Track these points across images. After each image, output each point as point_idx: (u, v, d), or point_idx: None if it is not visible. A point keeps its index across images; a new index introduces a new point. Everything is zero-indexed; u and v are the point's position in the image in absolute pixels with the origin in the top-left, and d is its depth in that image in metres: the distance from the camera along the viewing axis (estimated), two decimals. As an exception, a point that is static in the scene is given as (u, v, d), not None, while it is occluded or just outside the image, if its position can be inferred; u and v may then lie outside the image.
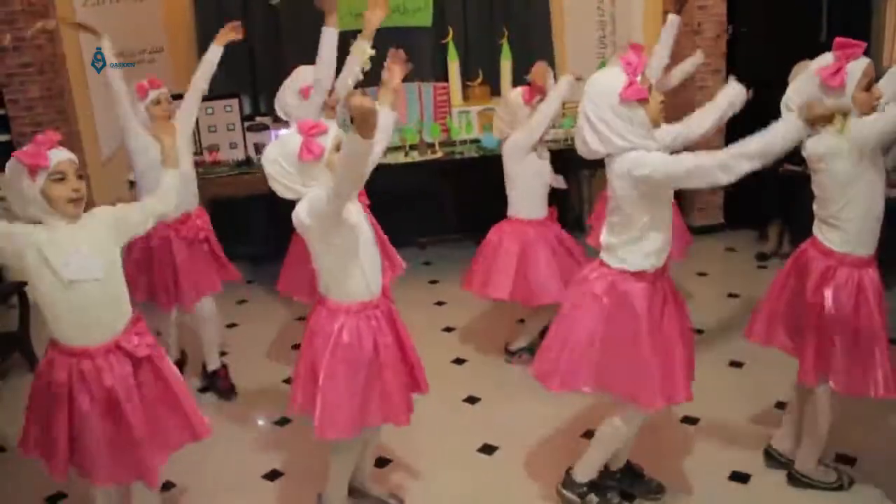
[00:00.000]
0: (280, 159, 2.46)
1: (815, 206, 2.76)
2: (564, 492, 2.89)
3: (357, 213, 2.54)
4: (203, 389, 3.99)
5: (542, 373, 2.71)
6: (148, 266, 3.71)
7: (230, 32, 3.91)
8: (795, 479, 2.94)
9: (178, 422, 2.60)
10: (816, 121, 2.31)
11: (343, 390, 2.52)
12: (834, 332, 2.66)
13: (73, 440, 2.50)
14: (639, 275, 2.55)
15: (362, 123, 2.10)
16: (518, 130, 3.90)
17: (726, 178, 2.30)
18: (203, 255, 3.79)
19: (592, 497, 2.87)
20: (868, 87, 2.55)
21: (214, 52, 3.87)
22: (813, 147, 2.63)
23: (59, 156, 2.37)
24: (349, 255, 2.52)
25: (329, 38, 3.69)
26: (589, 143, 2.49)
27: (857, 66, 2.53)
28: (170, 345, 4.05)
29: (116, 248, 2.52)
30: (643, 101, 2.41)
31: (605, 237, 2.61)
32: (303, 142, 2.41)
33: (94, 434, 2.46)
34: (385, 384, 2.59)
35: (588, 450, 2.86)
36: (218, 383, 4.00)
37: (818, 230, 2.74)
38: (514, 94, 3.98)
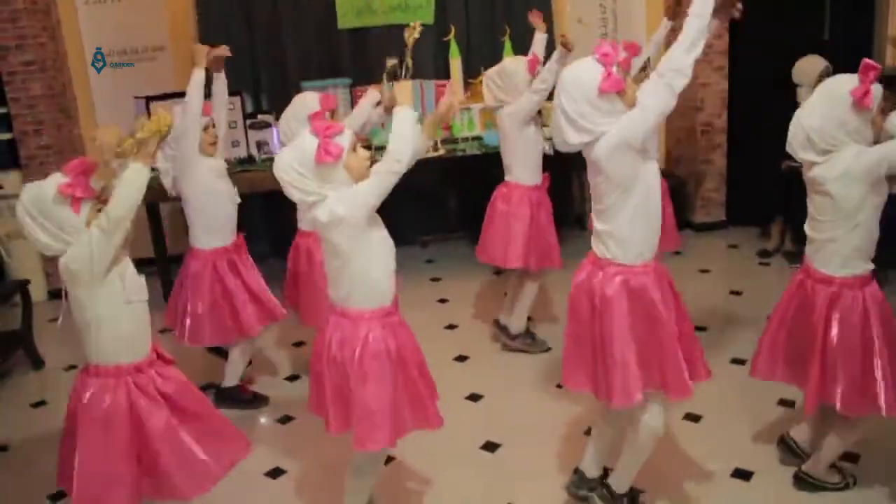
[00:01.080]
0: (295, 164, 2.39)
1: (811, 230, 2.73)
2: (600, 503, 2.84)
3: (380, 220, 2.53)
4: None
5: (601, 392, 2.60)
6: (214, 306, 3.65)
7: (219, 53, 3.66)
8: (802, 481, 2.93)
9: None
10: None
11: (377, 399, 2.46)
12: (840, 357, 2.64)
13: (141, 464, 2.47)
14: (644, 265, 2.52)
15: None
16: (521, 98, 3.94)
17: (682, 80, 2.35)
18: (257, 282, 3.79)
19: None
20: (884, 111, 2.58)
21: (198, 78, 3.53)
22: (824, 171, 2.59)
23: (100, 184, 2.38)
24: (380, 255, 2.49)
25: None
26: (567, 139, 2.48)
27: (878, 89, 2.53)
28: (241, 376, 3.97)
29: None
30: (620, 93, 2.42)
31: (597, 225, 2.58)
32: (320, 144, 2.36)
33: (177, 447, 2.46)
34: (413, 389, 2.55)
35: (622, 459, 2.77)
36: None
37: (813, 256, 2.72)
38: (515, 63, 4.04)
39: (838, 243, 2.63)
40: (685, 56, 2.34)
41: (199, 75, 3.46)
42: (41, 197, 2.34)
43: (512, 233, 4.05)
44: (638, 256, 2.52)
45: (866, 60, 2.53)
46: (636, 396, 2.53)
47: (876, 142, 2.59)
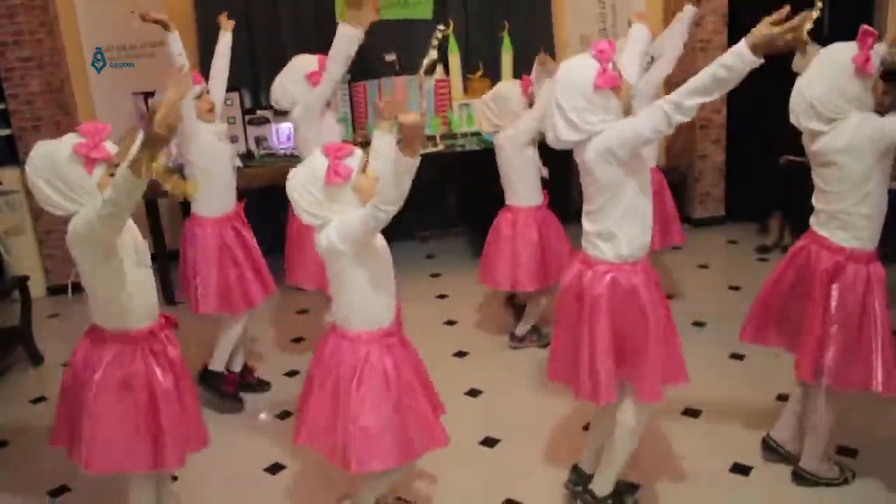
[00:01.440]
0: (308, 185, 2.40)
1: (819, 202, 2.73)
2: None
3: (381, 236, 2.52)
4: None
5: (589, 394, 2.59)
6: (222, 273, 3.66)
7: (227, 21, 3.89)
8: (801, 477, 2.93)
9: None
10: (767, 48, 2.19)
11: (378, 420, 2.45)
12: (837, 327, 2.64)
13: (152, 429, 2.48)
14: (633, 265, 2.53)
15: (411, 141, 2.16)
16: (519, 121, 3.93)
17: (680, 117, 2.28)
18: (256, 251, 3.78)
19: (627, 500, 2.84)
20: (882, 75, 2.59)
21: (225, 43, 3.88)
22: (830, 142, 2.59)
23: (115, 148, 2.37)
24: (378, 278, 2.49)
25: (345, 38, 3.62)
26: (560, 134, 2.48)
27: (876, 53, 2.54)
28: (235, 358, 3.94)
29: None
30: (616, 89, 2.42)
31: (586, 226, 2.59)
32: (330, 164, 2.37)
33: (173, 412, 2.48)
34: (416, 409, 2.54)
35: (604, 462, 2.77)
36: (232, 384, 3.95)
37: (823, 226, 2.70)
38: (509, 87, 4.04)
39: (849, 214, 2.63)
40: (694, 98, 2.26)
41: (174, 42, 3.59)
42: (54, 154, 2.34)
43: (521, 257, 4.04)
44: (629, 256, 2.53)
45: (864, 27, 2.54)
46: (615, 394, 2.57)
47: (879, 106, 2.58)
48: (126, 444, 2.45)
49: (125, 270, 2.40)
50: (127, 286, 2.41)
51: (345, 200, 2.41)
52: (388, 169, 2.29)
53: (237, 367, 3.90)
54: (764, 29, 2.17)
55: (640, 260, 2.55)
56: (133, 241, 2.46)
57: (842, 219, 2.64)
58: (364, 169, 2.44)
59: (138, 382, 2.43)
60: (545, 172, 4.11)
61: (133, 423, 2.44)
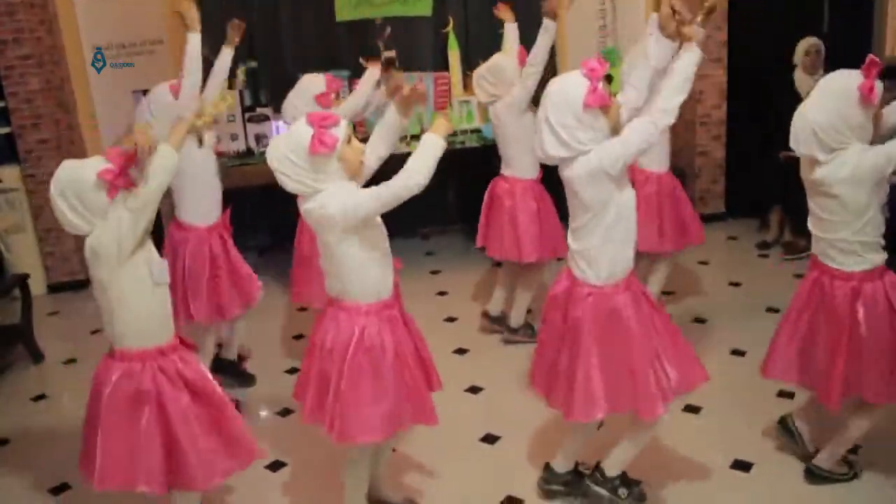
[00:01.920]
0: (290, 154, 2.37)
1: (816, 229, 2.72)
2: (595, 487, 2.84)
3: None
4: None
5: (561, 405, 2.65)
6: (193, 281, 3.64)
7: (236, 33, 3.82)
8: (814, 475, 2.93)
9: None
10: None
11: (368, 393, 2.46)
12: (869, 347, 2.64)
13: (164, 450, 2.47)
14: (615, 286, 2.54)
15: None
16: (514, 88, 3.97)
17: (669, 119, 2.39)
18: (239, 263, 3.76)
19: (623, 491, 2.83)
20: (882, 106, 2.62)
21: (226, 58, 3.78)
22: (831, 172, 2.57)
23: (136, 173, 2.38)
24: (373, 250, 2.48)
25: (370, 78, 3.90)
26: (547, 149, 2.49)
27: (879, 85, 2.53)
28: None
29: None
30: (605, 108, 2.43)
31: (571, 243, 2.60)
32: (314, 134, 2.33)
33: (193, 431, 2.46)
34: (411, 384, 2.54)
35: (621, 445, 2.79)
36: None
37: (827, 256, 2.69)
38: (505, 58, 4.10)
39: (849, 242, 2.63)
40: (674, 97, 2.37)
41: (194, 44, 3.50)
42: (80, 179, 2.35)
43: (522, 228, 4.06)
44: (609, 277, 2.54)
45: (871, 56, 2.53)
46: (597, 415, 2.58)
47: (876, 135, 2.58)
48: (136, 462, 2.43)
49: (138, 288, 2.42)
50: (138, 304, 2.42)
51: (329, 171, 2.38)
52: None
53: (233, 356, 3.99)
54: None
55: (621, 280, 2.55)
56: (147, 260, 2.46)
57: (842, 247, 2.65)
58: (350, 140, 2.43)
59: (147, 400, 2.43)
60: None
61: (143, 441, 2.42)
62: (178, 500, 2.64)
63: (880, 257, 2.67)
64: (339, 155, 2.39)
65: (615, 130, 2.47)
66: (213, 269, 3.62)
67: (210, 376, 2.60)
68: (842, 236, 2.63)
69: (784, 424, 3.09)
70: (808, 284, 2.79)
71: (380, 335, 2.47)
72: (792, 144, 2.68)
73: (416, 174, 2.36)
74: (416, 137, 5.34)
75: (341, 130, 2.39)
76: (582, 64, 2.45)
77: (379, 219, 2.52)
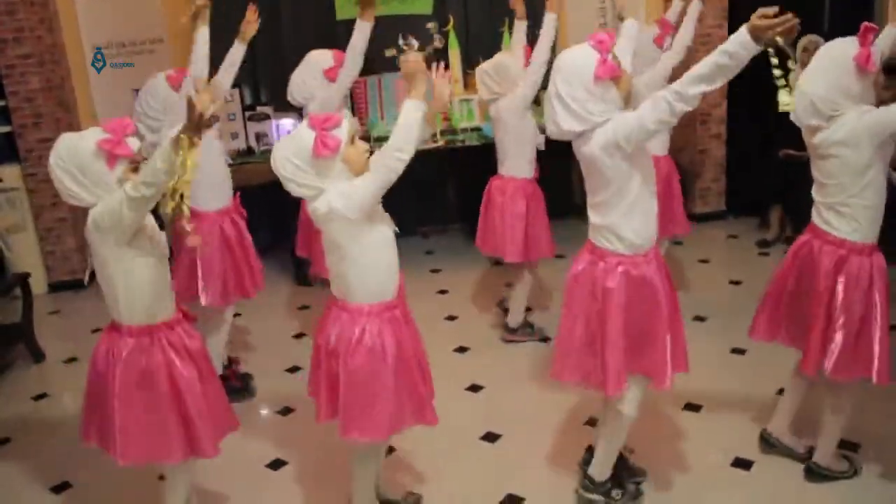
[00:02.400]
0: (292, 157, 2.37)
1: (818, 195, 2.72)
2: (587, 495, 2.85)
3: (381, 208, 2.51)
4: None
5: (598, 382, 2.61)
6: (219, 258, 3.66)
7: (251, 24, 3.85)
8: (814, 473, 2.93)
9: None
10: (764, 32, 2.14)
11: (370, 393, 2.46)
12: (843, 320, 2.63)
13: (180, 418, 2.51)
14: (645, 255, 2.53)
15: (411, 77, 2.30)
16: (518, 87, 3.96)
17: (682, 105, 2.26)
18: (250, 248, 3.77)
19: (616, 492, 2.84)
20: (884, 69, 2.60)
21: (238, 52, 3.85)
22: (830, 134, 2.57)
23: (137, 144, 2.37)
24: (378, 250, 2.48)
25: (363, 31, 3.77)
26: (560, 123, 2.46)
27: (876, 48, 2.53)
28: (223, 355, 3.96)
29: None
30: (616, 79, 2.41)
31: (593, 218, 2.58)
32: (317, 137, 2.33)
33: (199, 400, 2.50)
34: (411, 385, 2.54)
35: (598, 449, 2.82)
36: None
37: (823, 220, 2.69)
38: (509, 57, 4.10)
39: (848, 205, 2.62)
40: (696, 86, 2.23)
41: (202, 41, 3.69)
42: (78, 148, 2.36)
43: (509, 228, 4.07)
44: (638, 248, 2.52)
45: (866, 24, 2.52)
46: (624, 385, 2.56)
47: (879, 101, 2.57)
48: (156, 435, 2.47)
49: (142, 261, 2.42)
50: (143, 278, 2.42)
51: (333, 173, 2.38)
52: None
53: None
54: (761, 20, 2.15)
55: (649, 250, 2.55)
56: (150, 234, 2.47)
57: (841, 210, 2.63)
58: (353, 140, 2.42)
59: (160, 374, 2.45)
60: (541, 141, 4.09)
61: (160, 413, 2.46)
62: (169, 493, 2.69)
63: (874, 231, 2.65)
64: (342, 156, 2.38)
65: (627, 101, 2.46)
66: (223, 254, 3.65)
67: (205, 349, 2.64)
68: (841, 199, 2.62)
69: (765, 440, 3.10)
70: (798, 245, 2.79)
71: (381, 336, 2.47)
72: (791, 117, 2.67)
73: (399, 151, 2.32)
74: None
75: (343, 131, 2.38)
76: (589, 37, 2.43)
77: (385, 223, 2.51)
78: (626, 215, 2.49)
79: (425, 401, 2.60)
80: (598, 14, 6.16)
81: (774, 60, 2.17)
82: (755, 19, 2.14)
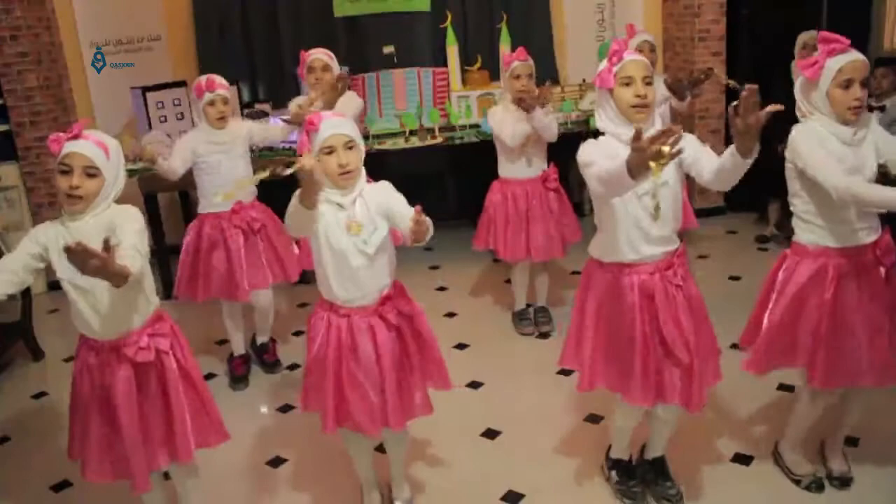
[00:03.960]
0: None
1: (804, 210, 2.75)
2: (604, 463, 2.96)
3: (333, 222, 2.44)
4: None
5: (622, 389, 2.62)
6: (202, 258, 3.80)
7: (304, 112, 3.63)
8: (775, 455, 2.96)
9: (163, 438, 2.51)
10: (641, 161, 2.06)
11: (320, 387, 2.54)
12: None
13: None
14: (632, 266, 2.52)
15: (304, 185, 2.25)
16: (507, 114, 3.97)
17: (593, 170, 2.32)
18: (256, 249, 3.84)
19: (614, 475, 2.89)
20: (847, 86, 2.43)
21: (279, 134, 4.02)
22: (791, 140, 2.56)
23: (72, 147, 2.27)
24: (318, 255, 2.49)
25: None
26: (597, 120, 2.55)
27: (836, 62, 2.43)
28: (235, 342, 4.10)
29: None
30: (611, 91, 2.43)
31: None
32: (301, 135, 2.41)
33: (92, 426, 2.48)
34: (358, 389, 2.52)
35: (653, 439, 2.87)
36: (263, 356, 4.14)
37: (807, 231, 2.74)
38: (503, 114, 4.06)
39: (835, 216, 2.66)
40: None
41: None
42: None
43: (503, 226, 4.15)
44: (642, 260, 2.53)
45: (823, 32, 2.48)
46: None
47: (841, 119, 2.50)
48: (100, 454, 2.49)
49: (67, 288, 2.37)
50: (75, 300, 2.37)
51: None
52: None
53: (242, 350, 4.13)
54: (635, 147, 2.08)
55: (657, 260, 2.54)
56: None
57: (813, 221, 2.78)
58: (349, 146, 2.40)
59: (151, 375, 2.46)
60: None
61: (101, 430, 2.47)
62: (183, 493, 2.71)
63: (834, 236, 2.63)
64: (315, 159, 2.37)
65: (631, 119, 2.44)
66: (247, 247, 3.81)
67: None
68: (819, 210, 2.68)
69: (774, 456, 3.04)
70: (785, 271, 2.82)
71: (326, 333, 2.52)
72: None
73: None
74: (414, 133, 5.35)
75: (318, 138, 2.37)
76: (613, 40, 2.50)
77: (338, 233, 2.45)
78: (614, 229, 2.52)
79: (408, 403, 2.59)
80: (596, 10, 6.16)
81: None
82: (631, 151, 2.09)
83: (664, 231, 2.52)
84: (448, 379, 2.70)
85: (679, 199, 2.57)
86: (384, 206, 2.46)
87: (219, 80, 3.70)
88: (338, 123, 2.40)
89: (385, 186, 2.53)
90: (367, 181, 2.52)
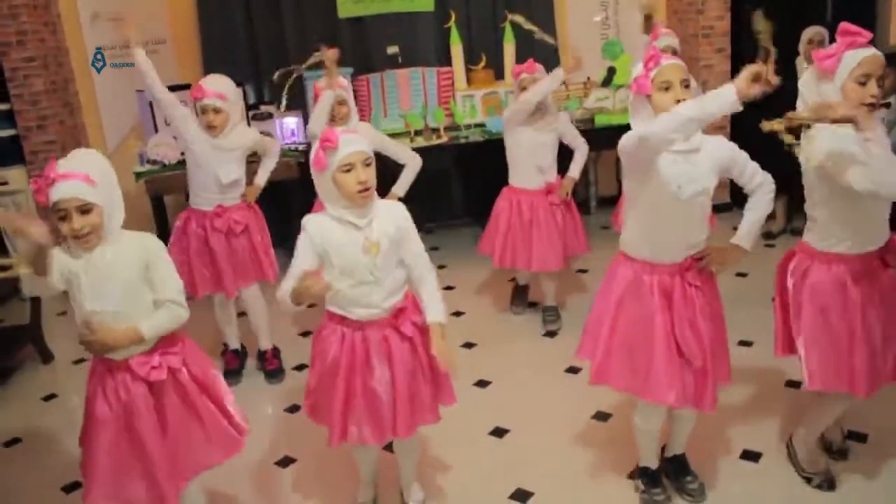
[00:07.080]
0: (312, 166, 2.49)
1: (829, 216, 2.63)
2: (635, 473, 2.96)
3: (346, 242, 2.45)
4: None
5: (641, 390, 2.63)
6: (190, 258, 3.83)
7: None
8: (788, 448, 2.94)
9: (201, 443, 2.55)
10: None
11: (327, 395, 2.55)
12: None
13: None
14: (654, 266, 2.54)
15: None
16: (514, 103, 4.08)
17: (641, 136, 2.30)
18: (240, 249, 3.86)
19: (640, 483, 2.88)
20: (864, 82, 2.36)
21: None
22: (843, 143, 2.34)
23: (58, 194, 2.24)
24: (330, 275, 2.47)
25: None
26: (632, 126, 2.51)
27: (854, 56, 2.36)
28: (227, 335, 4.16)
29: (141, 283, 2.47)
30: (649, 97, 2.44)
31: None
32: (316, 151, 2.40)
33: (103, 448, 2.48)
34: (358, 401, 2.54)
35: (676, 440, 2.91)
36: (265, 364, 4.12)
37: (829, 237, 2.63)
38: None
39: (860, 220, 2.64)
40: (659, 125, 2.27)
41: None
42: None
43: (507, 236, 4.23)
44: (659, 259, 2.55)
45: (844, 24, 2.39)
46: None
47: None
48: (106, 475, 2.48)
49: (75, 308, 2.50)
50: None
51: (324, 190, 2.46)
52: None
53: (236, 344, 4.19)
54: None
55: (675, 262, 2.55)
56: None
57: (825, 226, 2.71)
58: (367, 163, 2.44)
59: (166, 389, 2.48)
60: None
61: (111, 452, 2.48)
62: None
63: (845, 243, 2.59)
64: (331, 176, 2.39)
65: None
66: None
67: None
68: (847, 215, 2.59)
69: (787, 448, 3.02)
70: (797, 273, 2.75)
71: (329, 342, 2.55)
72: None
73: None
74: (419, 133, 5.35)
75: (338, 154, 2.36)
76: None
77: (342, 251, 2.47)
78: (643, 226, 2.58)
79: (383, 423, 2.57)
80: (600, 8, 6.16)
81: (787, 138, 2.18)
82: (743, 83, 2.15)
83: (698, 237, 2.59)
84: (453, 393, 2.71)
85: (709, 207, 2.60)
86: (398, 236, 2.51)
87: (211, 86, 3.64)
88: (356, 140, 2.40)
89: (400, 213, 2.55)
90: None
